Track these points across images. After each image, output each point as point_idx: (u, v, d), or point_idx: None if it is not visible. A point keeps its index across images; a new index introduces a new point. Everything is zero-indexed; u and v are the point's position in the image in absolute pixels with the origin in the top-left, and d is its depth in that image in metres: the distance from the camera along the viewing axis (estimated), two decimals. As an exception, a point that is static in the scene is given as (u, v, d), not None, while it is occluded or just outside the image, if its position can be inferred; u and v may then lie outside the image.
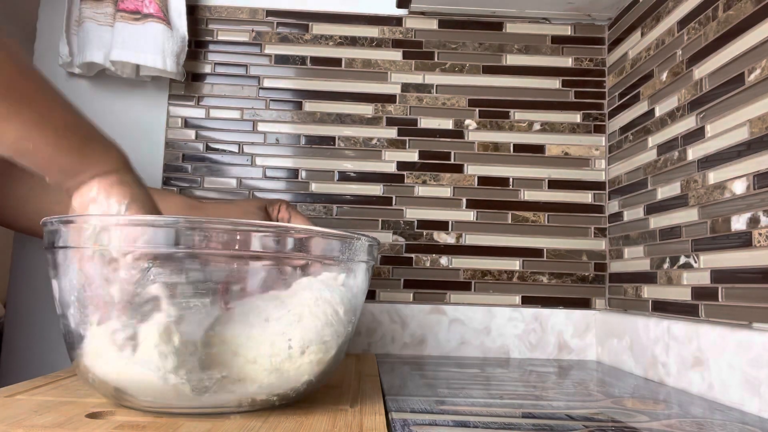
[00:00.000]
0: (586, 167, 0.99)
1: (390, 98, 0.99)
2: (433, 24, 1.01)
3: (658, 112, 0.82)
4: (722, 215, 0.67)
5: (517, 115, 0.99)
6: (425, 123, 0.99)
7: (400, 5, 0.97)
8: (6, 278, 0.94)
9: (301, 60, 0.99)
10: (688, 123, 0.74)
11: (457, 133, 0.99)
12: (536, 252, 0.97)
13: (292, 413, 0.47)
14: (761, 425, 0.53)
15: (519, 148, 0.99)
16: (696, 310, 0.70)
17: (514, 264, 0.97)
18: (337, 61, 0.99)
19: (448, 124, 0.99)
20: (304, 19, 1.00)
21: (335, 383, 0.61)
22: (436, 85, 1.00)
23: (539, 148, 0.99)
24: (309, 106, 0.99)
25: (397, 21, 1.01)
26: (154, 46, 0.87)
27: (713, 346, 0.64)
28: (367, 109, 0.99)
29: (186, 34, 0.91)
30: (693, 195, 0.73)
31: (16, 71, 0.43)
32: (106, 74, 0.94)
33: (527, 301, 0.96)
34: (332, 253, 0.48)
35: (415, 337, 0.94)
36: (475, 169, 0.98)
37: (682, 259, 0.74)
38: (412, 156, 0.98)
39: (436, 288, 0.96)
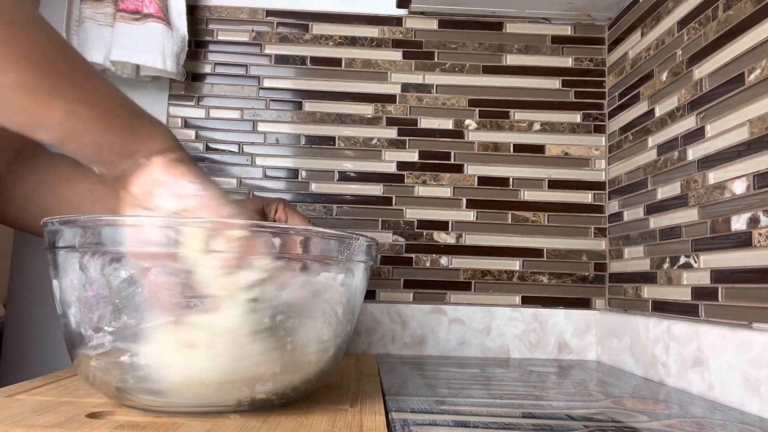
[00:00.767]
0: (586, 167, 0.99)
1: (390, 98, 0.99)
2: (433, 24, 1.01)
3: (658, 112, 0.82)
4: (722, 215, 0.67)
5: (517, 115, 0.99)
6: (425, 123, 0.99)
7: (400, 5, 0.97)
8: (6, 278, 0.94)
9: (301, 60, 0.99)
10: (688, 123, 0.74)
11: (457, 133, 0.99)
12: (536, 252, 0.97)
13: (292, 413, 0.47)
14: (761, 425, 0.53)
15: (519, 148, 0.99)
16: (696, 310, 0.70)
17: (514, 264, 0.97)
18: (337, 61, 1.00)
19: (448, 124, 0.99)
20: (304, 19, 1.00)
21: (335, 383, 0.61)
22: (436, 85, 1.00)
23: (539, 148, 0.99)
24: (309, 106, 0.99)
25: (397, 21, 1.01)
26: (154, 46, 0.87)
27: (713, 346, 0.64)
28: (367, 109, 0.99)
29: (186, 34, 0.91)
30: (693, 195, 0.73)
31: (54, 46, 0.40)
32: (106, 74, 0.94)
33: (527, 301, 0.96)
34: (330, 253, 0.48)
35: (415, 337, 0.94)
36: (475, 169, 0.98)
37: (682, 259, 0.74)
38: (412, 156, 0.98)
39: (436, 288, 0.96)
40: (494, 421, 0.50)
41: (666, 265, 0.78)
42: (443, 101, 0.99)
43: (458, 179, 0.98)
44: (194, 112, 0.98)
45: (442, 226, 0.97)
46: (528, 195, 0.98)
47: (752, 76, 0.63)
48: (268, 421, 0.44)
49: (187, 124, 0.98)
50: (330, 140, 0.98)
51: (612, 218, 0.96)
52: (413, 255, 0.97)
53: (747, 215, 0.62)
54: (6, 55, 0.36)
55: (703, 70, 0.72)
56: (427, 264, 0.97)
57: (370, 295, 0.95)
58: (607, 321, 0.90)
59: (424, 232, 0.97)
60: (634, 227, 0.88)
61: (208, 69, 0.99)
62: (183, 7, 0.91)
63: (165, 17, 0.89)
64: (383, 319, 0.94)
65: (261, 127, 0.98)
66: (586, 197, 0.98)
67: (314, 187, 0.97)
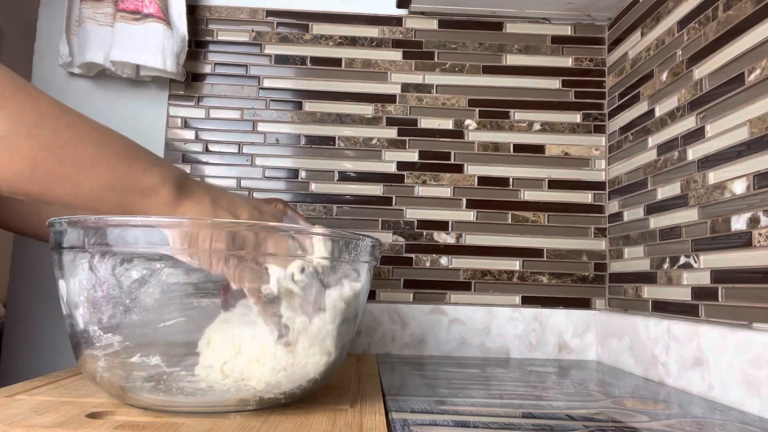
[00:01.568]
0: (586, 167, 0.99)
1: (390, 98, 0.99)
2: (433, 24, 1.01)
3: (658, 112, 0.82)
4: (722, 215, 0.67)
5: (517, 115, 0.99)
6: (425, 123, 0.99)
7: (400, 5, 0.97)
8: (6, 278, 0.94)
9: (301, 60, 0.99)
10: (688, 123, 0.74)
11: (457, 133, 0.99)
12: (536, 252, 0.97)
13: (292, 413, 0.47)
14: (761, 425, 0.53)
15: (519, 148, 0.99)
16: (696, 310, 0.70)
17: (514, 264, 0.97)
18: (337, 61, 0.99)
19: (448, 124, 0.99)
20: (304, 19, 1.00)
21: (335, 383, 0.61)
22: (436, 85, 1.00)
23: (539, 148, 0.99)
24: (309, 106, 0.99)
25: (397, 21, 1.01)
26: (154, 46, 0.87)
27: (713, 346, 0.64)
28: (367, 109, 0.99)
29: (186, 34, 0.91)
30: (693, 195, 0.73)
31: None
32: (106, 74, 0.94)
33: (527, 301, 0.96)
34: (334, 254, 0.48)
35: (415, 337, 0.94)
36: (475, 169, 0.98)
37: (682, 259, 0.74)
38: (412, 156, 0.98)
39: (436, 288, 0.96)
40: (494, 421, 0.50)
41: (666, 265, 0.78)
42: (443, 101, 0.99)
43: (458, 179, 0.98)
44: (194, 112, 0.98)
45: (442, 226, 0.97)
46: (528, 195, 0.98)
47: (752, 76, 0.63)
48: (268, 421, 0.44)
49: (187, 124, 0.98)
50: (330, 140, 0.98)
51: (612, 218, 0.96)
52: (413, 255, 0.97)
53: (747, 215, 0.62)
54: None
55: (703, 70, 0.72)
56: (427, 264, 0.97)
57: (370, 295, 0.94)
58: (607, 321, 0.90)
59: (424, 232, 0.97)
60: (634, 227, 0.88)
61: (208, 69, 0.99)
62: (183, 7, 0.91)
63: (165, 17, 0.89)
64: (383, 319, 0.94)
65: (261, 127, 0.98)
66: (586, 197, 0.98)
67: (314, 187, 0.97)
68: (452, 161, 0.98)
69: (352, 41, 1.00)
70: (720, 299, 0.66)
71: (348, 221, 0.97)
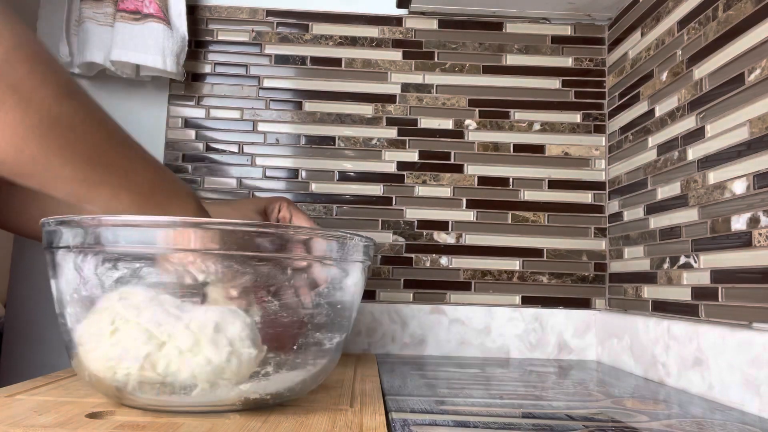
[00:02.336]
0: (586, 167, 0.99)
1: (390, 98, 0.99)
2: (433, 24, 1.01)
3: (658, 112, 0.82)
4: (722, 215, 0.67)
5: (517, 115, 0.99)
6: (425, 123, 0.99)
7: (400, 5, 0.97)
8: (6, 278, 0.94)
9: (301, 60, 0.99)
10: (688, 123, 0.74)
11: (457, 133, 0.99)
12: (536, 252, 0.97)
13: (292, 413, 0.47)
14: (761, 425, 0.53)
15: (519, 148, 0.99)
16: (696, 310, 0.70)
17: (514, 264, 0.97)
18: (337, 61, 1.00)
19: (448, 124, 0.99)
20: (304, 19, 1.00)
21: (335, 383, 0.61)
22: (436, 85, 1.00)
23: (539, 148, 0.99)
24: (309, 106, 0.99)
25: (397, 21, 1.01)
26: (154, 46, 0.87)
27: (713, 346, 0.64)
28: (367, 109, 0.99)
29: (186, 34, 0.91)
30: (693, 195, 0.73)
31: (103, 137, 0.45)
32: (106, 74, 0.94)
33: (527, 301, 0.96)
34: (328, 253, 0.49)
35: (415, 337, 0.94)
36: (475, 169, 0.98)
37: (682, 259, 0.74)
38: (412, 156, 0.98)
39: (436, 288, 0.96)
40: (494, 421, 0.50)
41: (666, 265, 0.78)
42: (443, 101, 0.99)
43: (458, 179, 0.98)
44: (194, 112, 0.98)
45: (442, 226, 0.97)
46: (528, 195, 0.98)
47: (752, 76, 0.63)
48: (268, 421, 0.44)
49: (187, 124, 0.98)
50: (330, 140, 0.98)
51: (612, 218, 0.96)
52: (413, 255, 0.97)
53: (747, 215, 0.62)
54: (64, 155, 0.41)
55: (703, 70, 0.72)
56: (427, 264, 0.97)
57: (370, 295, 0.95)
58: (607, 321, 0.90)
59: (424, 232, 0.97)
60: (634, 227, 0.88)
61: (208, 69, 0.99)
62: (183, 7, 0.91)
63: (165, 17, 0.89)
64: (383, 319, 0.94)
65: (261, 127, 0.98)
66: (586, 197, 0.98)
67: (314, 187, 0.97)
68: (452, 161, 0.98)
69: (352, 41, 1.00)
70: (720, 299, 0.66)
71: (348, 221, 0.97)
